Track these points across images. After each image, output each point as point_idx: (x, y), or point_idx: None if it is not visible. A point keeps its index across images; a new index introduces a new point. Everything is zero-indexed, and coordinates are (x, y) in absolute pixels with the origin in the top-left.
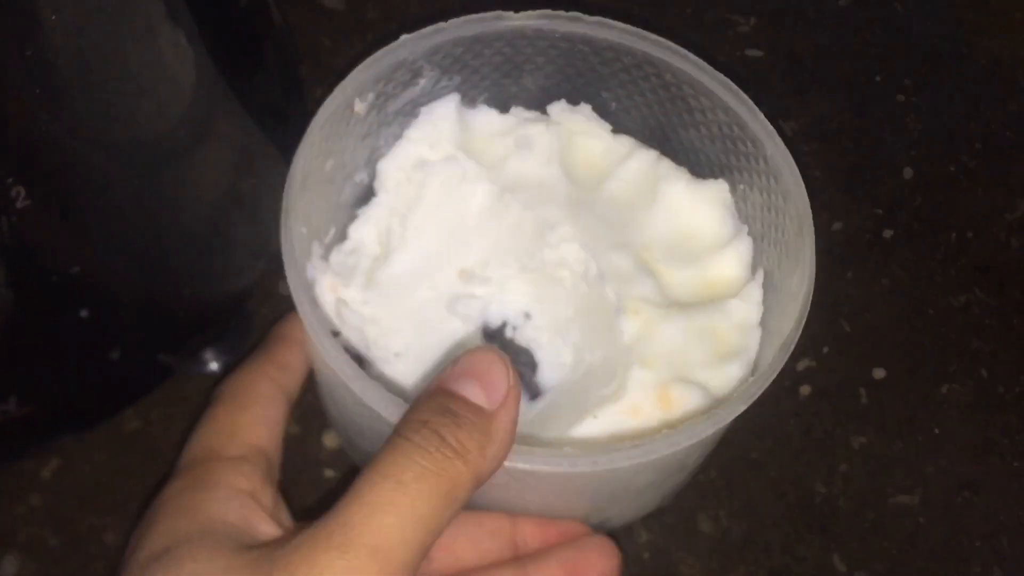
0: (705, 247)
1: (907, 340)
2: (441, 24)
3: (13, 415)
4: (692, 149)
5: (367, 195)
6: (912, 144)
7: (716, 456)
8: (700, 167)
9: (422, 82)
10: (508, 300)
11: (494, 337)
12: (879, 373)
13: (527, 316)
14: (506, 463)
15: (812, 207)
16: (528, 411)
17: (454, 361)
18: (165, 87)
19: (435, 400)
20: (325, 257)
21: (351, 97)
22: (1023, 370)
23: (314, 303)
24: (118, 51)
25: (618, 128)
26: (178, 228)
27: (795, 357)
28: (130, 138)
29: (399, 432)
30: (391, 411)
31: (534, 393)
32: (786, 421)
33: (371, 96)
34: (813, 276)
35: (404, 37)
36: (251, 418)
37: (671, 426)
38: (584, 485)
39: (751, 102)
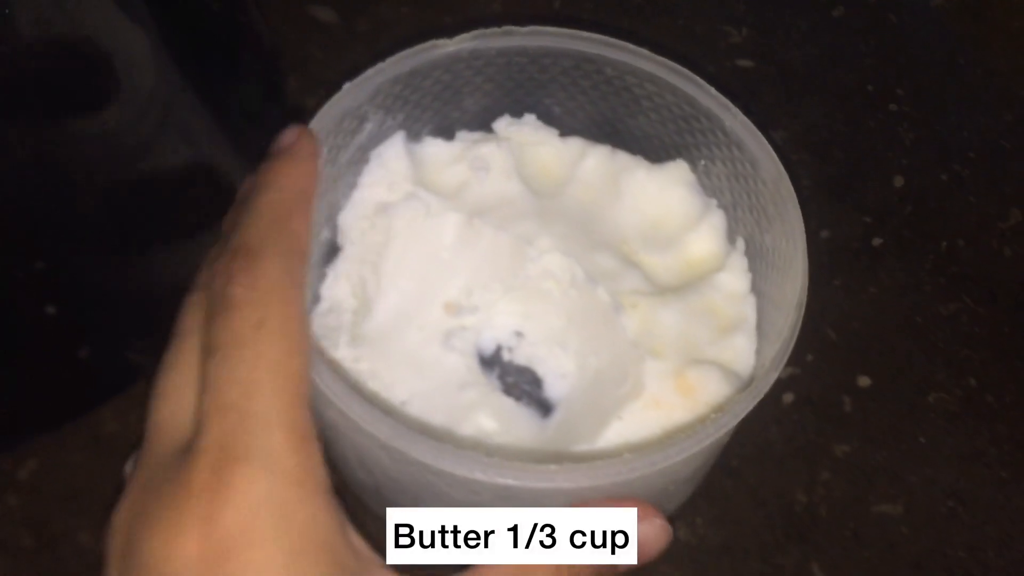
0: (678, 228)
1: (894, 348)
2: (380, 64)
3: None
4: (644, 136)
5: (332, 252)
6: (904, 153)
7: None
8: (656, 152)
9: (368, 126)
10: (497, 324)
11: (492, 363)
12: (864, 381)
13: (519, 335)
14: (568, 484)
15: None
16: (545, 428)
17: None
18: (126, 84)
19: None
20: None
21: None
22: (1012, 379)
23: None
24: (76, 45)
25: (566, 131)
26: (143, 225)
27: None
28: (90, 133)
29: None
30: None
31: (545, 409)
32: (768, 428)
33: (324, 151)
34: (804, 235)
35: (346, 85)
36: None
37: (697, 409)
38: (641, 488)
39: (698, 78)
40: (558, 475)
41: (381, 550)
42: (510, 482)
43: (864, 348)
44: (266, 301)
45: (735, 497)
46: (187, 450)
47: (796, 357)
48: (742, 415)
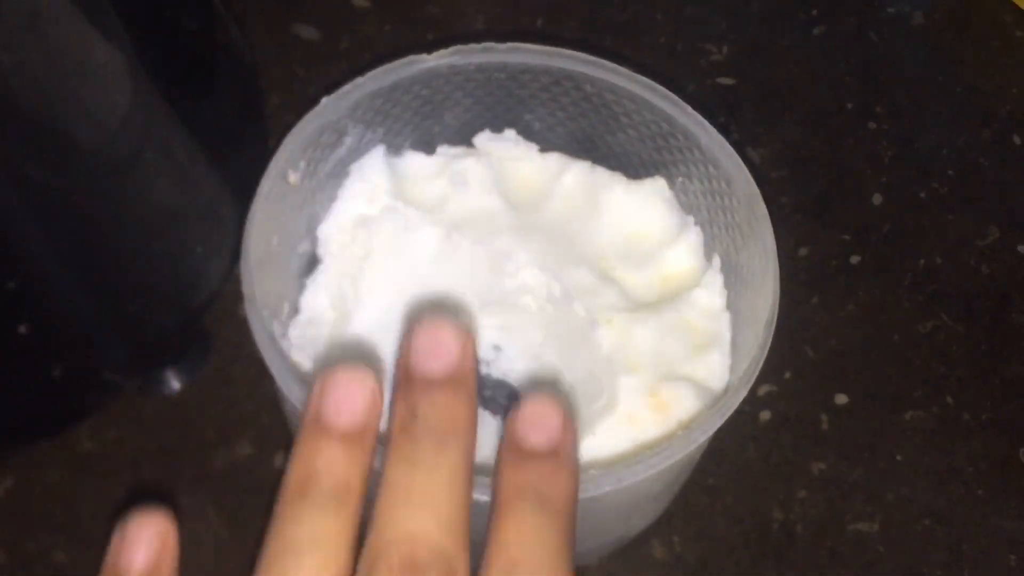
0: (655, 244)
1: (871, 366)
2: (358, 79)
3: None
4: (623, 152)
5: (312, 264)
6: (883, 171)
7: None
8: (634, 168)
9: (348, 140)
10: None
11: None
12: (841, 399)
13: (497, 348)
14: None
15: (778, 233)
16: None
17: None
18: (99, 103)
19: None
20: (284, 334)
21: (284, 169)
22: (989, 397)
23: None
24: (49, 66)
25: (546, 146)
26: (117, 244)
27: (756, 382)
28: (63, 152)
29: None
30: None
31: None
32: (745, 446)
33: (302, 164)
34: (776, 254)
35: (325, 100)
36: None
37: (669, 425)
38: (610, 503)
39: (675, 97)
40: None
41: None
42: (480, 497)
43: (841, 366)
44: None
45: (711, 515)
46: None
47: (774, 375)
48: (710, 432)
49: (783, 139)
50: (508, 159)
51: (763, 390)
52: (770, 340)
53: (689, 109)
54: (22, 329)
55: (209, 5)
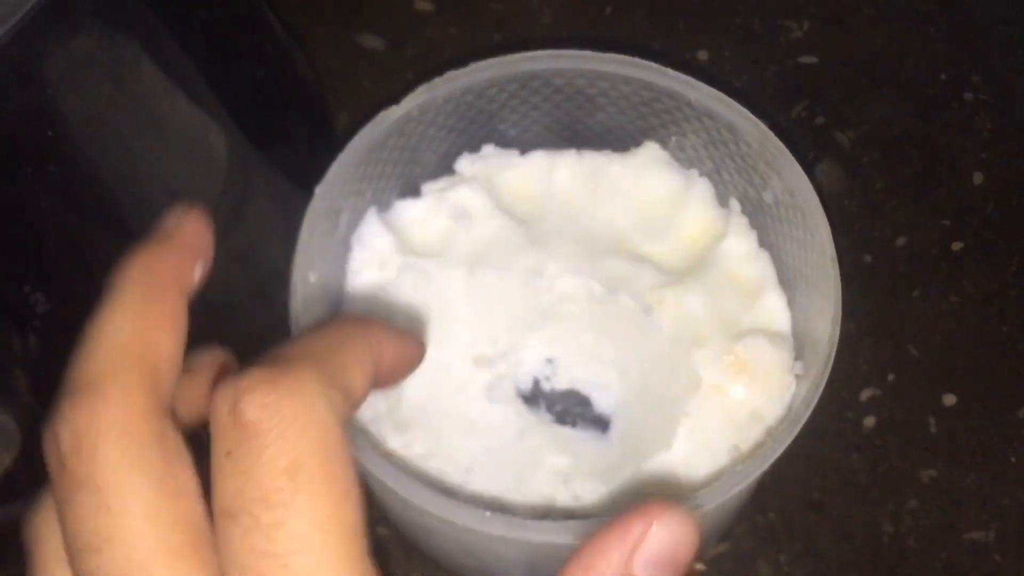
0: (667, 208)
1: (980, 362)
2: (340, 157)
3: None
4: (606, 130)
5: None
6: (982, 146)
7: (775, 496)
8: (622, 142)
9: (344, 216)
10: (526, 359)
11: (535, 398)
12: (949, 399)
13: (551, 362)
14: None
15: (874, 222)
16: (610, 444)
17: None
18: (185, 171)
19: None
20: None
21: (306, 273)
22: None
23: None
24: (132, 140)
25: (525, 149)
26: (210, 310)
27: (858, 386)
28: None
29: None
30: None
31: (603, 425)
32: (849, 456)
33: (317, 261)
34: (812, 186)
35: (317, 190)
36: None
37: (756, 383)
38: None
39: (649, 63)
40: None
41: None
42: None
43: (948, 364)
44: (298, 432)
45: (818, 531)
46: None
47: (876, 377)
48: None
49: (873, 118)
50: (494, 173)
51: (866, 394)
52: (839, 279)
53: (668, 71)
54: None
55: (274, 37)
